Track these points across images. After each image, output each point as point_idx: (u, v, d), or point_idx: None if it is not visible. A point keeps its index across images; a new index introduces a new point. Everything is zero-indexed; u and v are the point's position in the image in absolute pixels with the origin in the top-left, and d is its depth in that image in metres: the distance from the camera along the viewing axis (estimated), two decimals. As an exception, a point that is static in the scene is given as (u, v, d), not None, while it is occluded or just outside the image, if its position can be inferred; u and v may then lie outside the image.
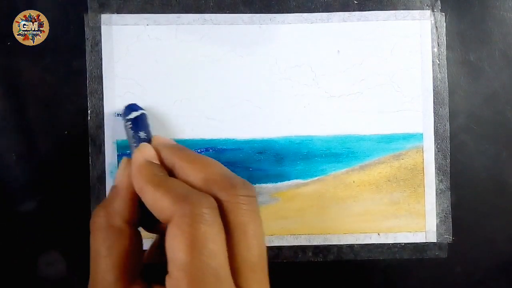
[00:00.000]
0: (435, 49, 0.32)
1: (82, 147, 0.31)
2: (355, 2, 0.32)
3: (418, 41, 0.32)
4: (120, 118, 0.30)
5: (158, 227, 0.25)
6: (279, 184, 0.32)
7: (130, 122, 0.27)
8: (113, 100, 0.31)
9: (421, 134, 0.32)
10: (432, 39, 0.32)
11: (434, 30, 0.32)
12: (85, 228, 0.31)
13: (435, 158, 0.32)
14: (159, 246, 0.26)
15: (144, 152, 0.24)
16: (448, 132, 0.32)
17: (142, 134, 0.27)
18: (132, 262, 0.22)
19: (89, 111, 0.31)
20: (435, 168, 0.32)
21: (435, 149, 0.32)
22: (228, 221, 0.21)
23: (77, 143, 0.31)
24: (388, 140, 0.32)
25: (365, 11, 0.32)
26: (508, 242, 0.33)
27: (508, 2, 0.33)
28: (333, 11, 0.32)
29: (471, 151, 0.33)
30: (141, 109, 0.29)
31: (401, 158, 0.32)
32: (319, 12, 0.32)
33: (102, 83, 0.31)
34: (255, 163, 0.32)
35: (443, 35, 0.32)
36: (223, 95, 0.31)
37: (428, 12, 0.32)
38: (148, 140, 0.26)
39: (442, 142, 0.32)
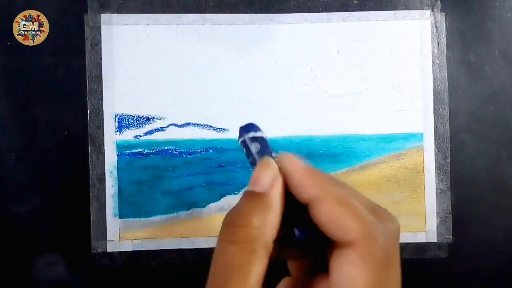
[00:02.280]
0: (435, 49, 0.32)
1: (81, 147, 0.31)
2: (355, 2, 0.32)
3: (418, 41, 0.32)
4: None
5: None
6: (279, 184, 0.31)
7: (258, 140, 0.23)
8: (113, 100, 0.31)
9: (421, 134, 0.32)
10: (432, 39, 0.32)
11: (434, 30, 0.32)
12: (85, 228, 0.31)
13: (435, 158, 0.32)
14: None
15: (298, 161, 0.21)
16: (448, 132, 0.32)
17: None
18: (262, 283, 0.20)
19: (88, 111, 0.31)
20: (435, 168, 0.32)
21: (435, 149, 0.32)
22: None
23: (77, 143, 0.31)
24: (388, 140, 0.32)
25: (365, 11, 0.32)
26: (508, 242, 0.33)
27: (508, 2, 0.33)
28: (333, 11, 0.32)
29: (471, 151, 0.32)
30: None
31: (401, 158, 0.32)
32: (319, 12, 0.32)
33: (102, 82, 0.31)
34: (255, 163, 0.31)
35: (443, 35, 0.32)
36: (223, 95, 0.31)
37: (428, 12, 0.32)
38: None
39: (442, 142, 0.32)
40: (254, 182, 0.21)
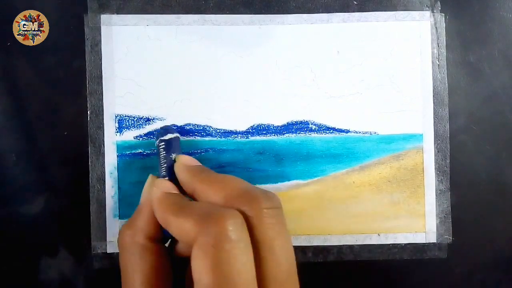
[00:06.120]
0: (435, 50, 0.32)
1: (81, 148, 0.31)
2: (355, 3, 0.32)
3: (418, 42, 0.32)
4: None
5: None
6: (279, 184, 0.32)
7: (163, 143, 0.27)
8: (113, 101, 0.31)
9: (421, 135, 0.32)
10: (432, 40, 0.32)
11: (434, 31, 0.32)
12: (84, 229, 0.31)
13: (435, 158, 0.32)
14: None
15: (161, 186, 0.24)
16: (448, 133, 0.32)
17: (173, 156, 0.27)
18: (160, 278, 0.22)
19: (88, 112, 0.31)
20: (435, 169, 0.32)
21: (435, 150, 0.32)
22: (253, 236, 0.20)
23: (77, 143, 0.31)
24: (388, 140, 0.32)
25: (365, 12, 0.32)
26: (508, 242, 0.33)
27: (508, 3, 0.33)
28: (333, 12, 0.32)
29: (471, 152, 0.33)
30: (176, 132, 0.28)
31: (401, 158, 0.32)
32: (319, 13, 0.32)
33: (102, 83, 0.31)
34: (255, 164, 0.32)
35: (442, 36, 0.32)
36: (223, 95, 0.31)
37: (428, 13, 0.32)
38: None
39: (442, 142, 0.32)
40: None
